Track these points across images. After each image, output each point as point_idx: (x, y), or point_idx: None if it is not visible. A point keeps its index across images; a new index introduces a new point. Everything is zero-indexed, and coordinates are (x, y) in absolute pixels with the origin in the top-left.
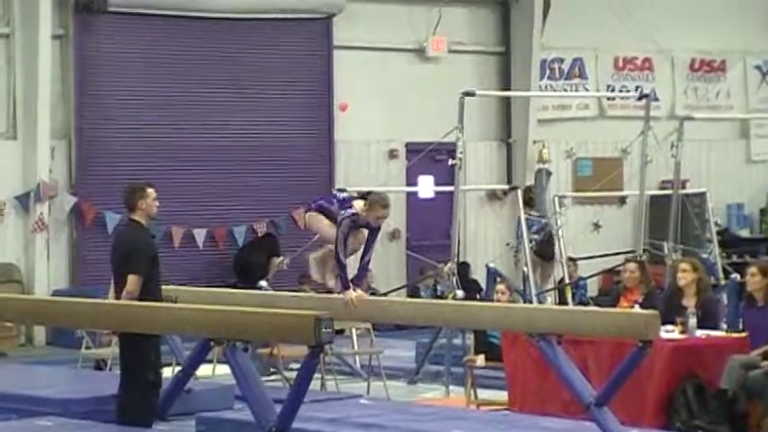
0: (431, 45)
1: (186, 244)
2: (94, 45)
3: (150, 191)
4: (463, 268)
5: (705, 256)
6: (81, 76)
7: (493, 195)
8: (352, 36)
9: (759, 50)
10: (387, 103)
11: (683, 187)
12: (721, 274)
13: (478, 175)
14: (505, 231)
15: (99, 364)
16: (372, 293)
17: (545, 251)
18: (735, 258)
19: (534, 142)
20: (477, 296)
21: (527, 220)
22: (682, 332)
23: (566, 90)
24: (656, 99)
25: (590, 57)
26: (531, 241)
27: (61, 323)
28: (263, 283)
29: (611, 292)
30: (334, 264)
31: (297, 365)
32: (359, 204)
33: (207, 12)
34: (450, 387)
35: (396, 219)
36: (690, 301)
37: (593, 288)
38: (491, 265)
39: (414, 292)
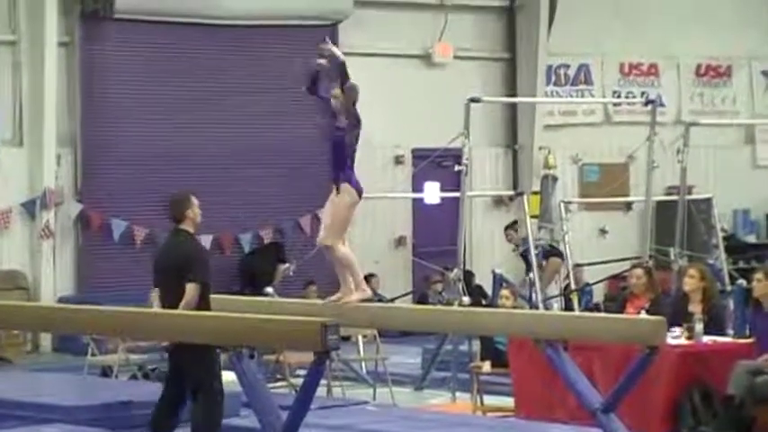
0: (437, 51)
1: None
2: (100, 52)
3: (195, 199)
4: (467, 274)
5: (711, 261)
6: (87, 84)
7: (499, 201)
8: (359, 42)
9: (765, 56)
10: (393, 109)
11: (690, 193)
12: (728, 280)
13: (484, 180)
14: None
15: (105, 371)
16: (379, 300)
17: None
18: (741, 264)
19: (540, 148)
20: (483, 302)
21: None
22: (688, 338)
23: (571, 96)
24: (662, 105)
25: (596, 62)
26: (536, 247)
27: (67, 330)
28: (269, 289)
29: (618, 297)
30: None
31: (303, 372)
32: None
33: (213, 18)
34: (457, 393)
35: (402, 225)
36: (696, 307)
37: (599, 294)
38: (497, 270)
39: (422, 300)
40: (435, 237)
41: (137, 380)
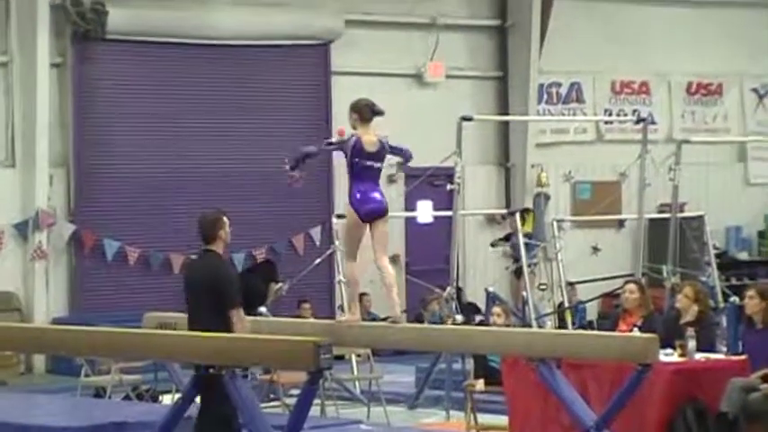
0: (429, 70)
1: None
2: (92, 73)
3: (226, 218)
4: (458, 292)
5: (704, 279)
6: (79, 104)
7: (492, 219)
8: (351, 62)
9: (756, 73)
10: (385, 128)
11: (682, 210)
12: (720, 297)
13: (477, 199)
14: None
15: (99, 392)
16: (372, 319)
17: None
18: (733, 281)
19: (532, 166)
20: (475, 319)
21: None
22: (681, 355)
23: (563, 114)
24: (654, 123)
25: (587, 81)
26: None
27: (61, 351)
28: (262, 309)
29: (611, 315)
30: None
31: (297, 392)
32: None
33: (205, 39)
34: (451, 412)
35: (395, 244)
36: (689, 325)
37: (592, 312)
38: (490, 289)
39: (418, 320)
40: (428, 255)
41: (130, 400)
